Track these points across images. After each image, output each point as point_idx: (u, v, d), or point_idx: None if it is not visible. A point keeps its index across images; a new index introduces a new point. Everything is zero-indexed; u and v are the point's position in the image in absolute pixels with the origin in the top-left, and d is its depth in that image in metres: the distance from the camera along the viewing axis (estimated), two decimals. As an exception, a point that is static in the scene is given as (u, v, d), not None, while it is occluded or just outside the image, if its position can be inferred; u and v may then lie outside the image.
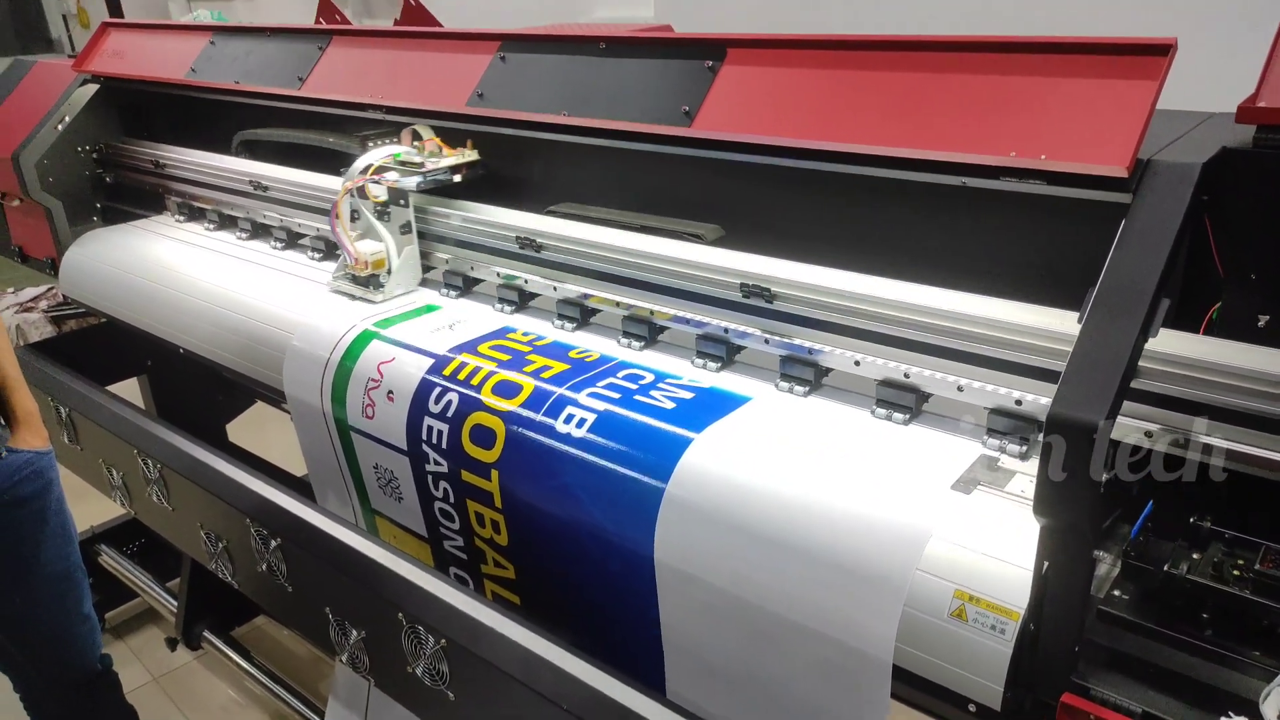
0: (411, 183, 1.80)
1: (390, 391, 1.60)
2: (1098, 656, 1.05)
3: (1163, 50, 1.06)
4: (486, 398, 1.48)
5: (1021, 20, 2.68)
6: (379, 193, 1.85)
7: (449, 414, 1.51)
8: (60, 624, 1.91)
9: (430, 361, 1.58)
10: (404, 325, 1.72)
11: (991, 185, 1.18)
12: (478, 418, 1.47)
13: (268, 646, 2.91)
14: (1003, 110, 1.16)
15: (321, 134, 2.22)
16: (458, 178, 1.84)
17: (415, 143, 1.88)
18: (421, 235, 1.90)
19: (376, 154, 1.86)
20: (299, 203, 2.16)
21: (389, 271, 1.86)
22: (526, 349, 1.59)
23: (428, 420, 1.53)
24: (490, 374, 1.51)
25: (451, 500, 1.56)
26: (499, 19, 4.17)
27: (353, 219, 1.88)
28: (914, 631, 1.06)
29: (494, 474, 1.45)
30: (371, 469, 1.70)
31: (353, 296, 1.87)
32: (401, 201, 1.84)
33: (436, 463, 1.54)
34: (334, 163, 2.15)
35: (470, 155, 1.87)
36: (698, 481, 1.25)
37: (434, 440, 1.53)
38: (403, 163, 1.84)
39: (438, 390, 1.54)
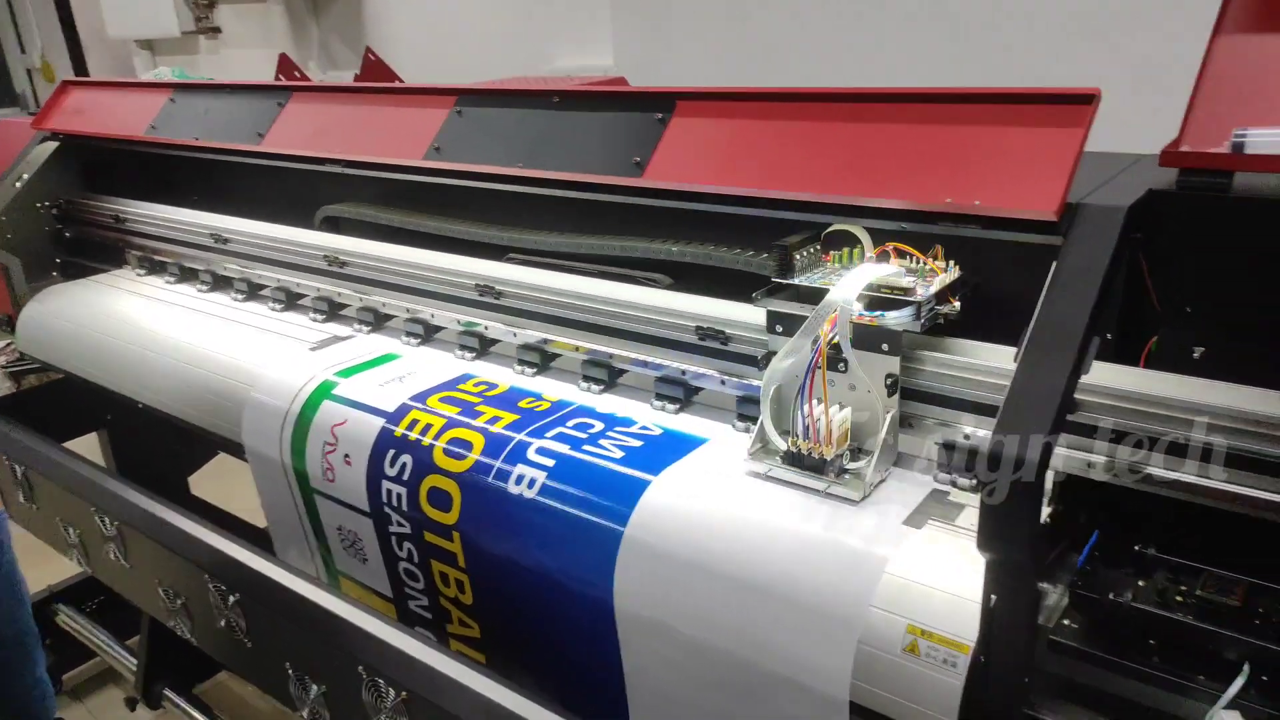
0: (903, 317, 1.20)
1: (347, 455, 1.59)
2: (1050, 687, 1.06)
3: (1087, 99, 1.11)
4: (439, 459, 1.47)
5: (973, 71, 2.77)
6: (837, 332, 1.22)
7: (405, 477, 1.51)
8: (11, 689, 1.87)
9: (381, 422, 1.57)
10: (361, 376, 1.72)
11: (929, 229, 1.22)
12: (433, 480, 1.47)
13: (231, 702, 2.85)
14: (939, 157, 1.20)
15: (713, 248, 1.57)
16: (955, 305, 1.23)
17: (846, 252, 1.34)
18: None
19: (867, 273, 1.23)
20: (260, 255, 2.17)
21: (858, 449, 1.27)
22: (476, 400, 1.58)
23: (386, 483, 1.53)
24: (440, 433, 1.50)
25: (416, 560, 1.55)
26: (462, 70, 4.24)
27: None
28: (869, 667, 1.07)
29: (455, 535, 1.45)
30: (335, 530, 1.69)
31: (803, 486, 1.25)
32: (884, 347, 1.23)
33: (399, 524, 1.54)
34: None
35: (953, 270, 1.26)
36: (656, 523, 1.26)
37: (394, 503, 1.53)
38: (881, 287, 1.23)
39: (391, 453, 1.53)
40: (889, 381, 1.24)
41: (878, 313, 1.21)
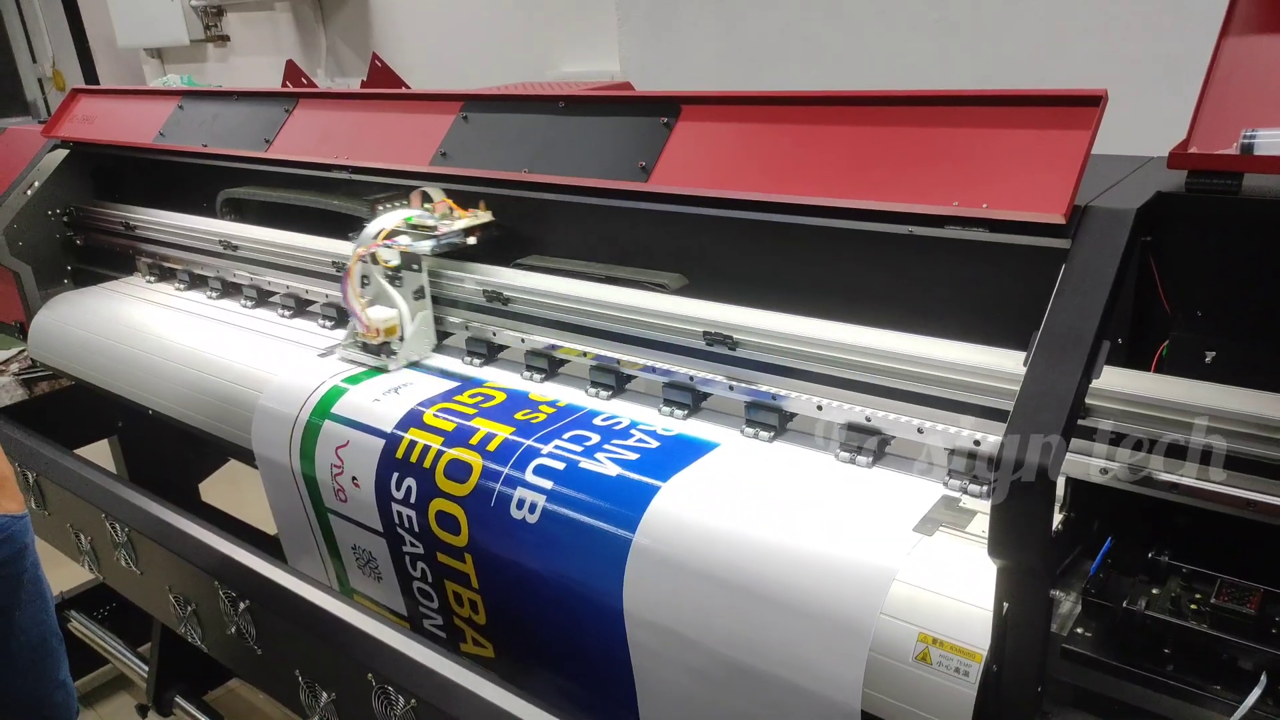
0: (425, 246, 1.72)
1: (354, 478, 1.59)
2: (1063, 695, 1.06)
3: (1094, 101, 1.10)
4: (441, 483, 1.46)
5: (979, 74, 2.75)
6: (390, 258, 1.76)
7: (412, 499, 1.50)
8: (37, 692, 1.86)
9: (381, 444, 1.56)
10: (369, 383, 1.72)
11: (937, 233, 1.21)
12: (439, 504, 1.47)
13: (242, 710, 2.85)
14: (946, 161, 1.19)
15: (326, 196, 2.12)
16: (472, 240, 1.77)
17: (425, 205, 1.80)
18: (435, 300, 1.82)
19: (389, 218, 1.78)
20: (269, 261, 2.17)
21: (401, 338, 1.78)
22: (473, 412, 1.57)
23: (395, 506, 1.53)
24: (439, 454, 1.49)
25: (430, 580, 1.55)
26: (468, 76, 4.25)
27: (363, 285, 1.79)
28: (880, 676, 1.06)
29: (467, 557, 1.45)
30: (350, 550, 1.69)
31: (364, 366, 1.78)
32: (415, 266, 1.77)
33: (413, 545, 1.54)
34: (323, 225, 2.12)
35: (484, 216, 1.79)
36: (665, 531, 1.25)
37: (406, 524, 1.52)
38: (415, 226, 1.77)
39: (395, 476, 1.53)
40: (418, 290, 1.78)
41: (413, 243, 1.73)
